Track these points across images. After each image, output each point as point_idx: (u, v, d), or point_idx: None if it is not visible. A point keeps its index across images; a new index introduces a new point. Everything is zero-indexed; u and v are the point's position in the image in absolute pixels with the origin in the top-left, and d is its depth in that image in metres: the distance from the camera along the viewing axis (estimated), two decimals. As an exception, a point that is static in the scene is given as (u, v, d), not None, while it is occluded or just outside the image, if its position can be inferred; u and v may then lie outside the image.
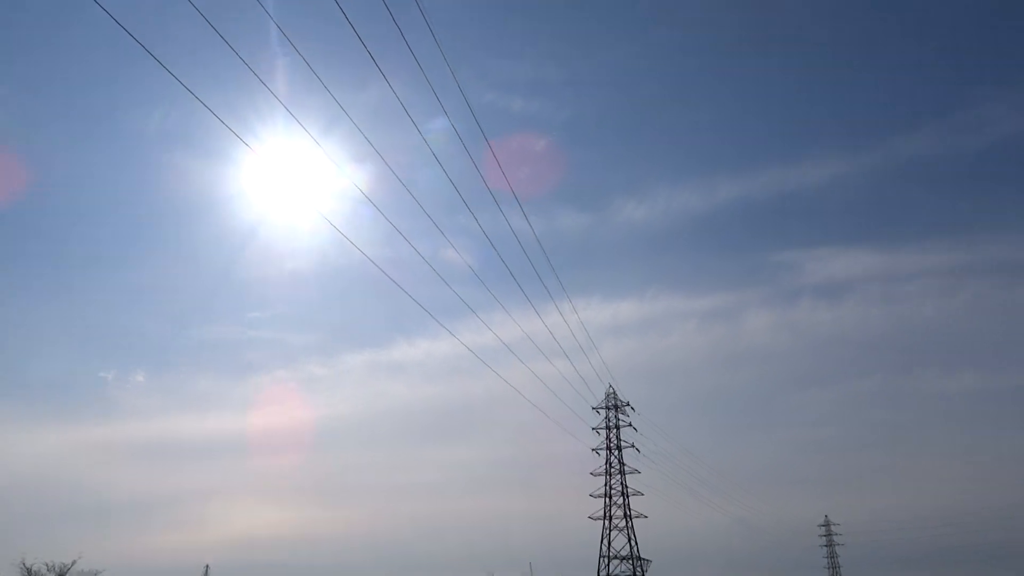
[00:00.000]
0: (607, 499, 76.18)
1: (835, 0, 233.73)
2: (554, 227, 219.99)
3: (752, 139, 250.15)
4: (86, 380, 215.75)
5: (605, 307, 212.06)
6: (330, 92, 19.86)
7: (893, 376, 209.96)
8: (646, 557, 75.59)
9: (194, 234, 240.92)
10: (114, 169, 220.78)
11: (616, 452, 77.15)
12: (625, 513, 75.56)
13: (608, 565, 74.10)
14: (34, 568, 62.04)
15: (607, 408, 78.09)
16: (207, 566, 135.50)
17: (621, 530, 75.38)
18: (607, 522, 75.64)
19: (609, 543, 75.01)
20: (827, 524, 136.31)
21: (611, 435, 77.53)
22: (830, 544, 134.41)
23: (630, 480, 77.10)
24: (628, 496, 76.23)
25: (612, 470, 76.65)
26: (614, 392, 78.72)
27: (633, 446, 77.71)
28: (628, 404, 78.38)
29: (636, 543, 75.25)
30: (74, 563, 63.88)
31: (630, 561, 74.78)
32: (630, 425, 77.97)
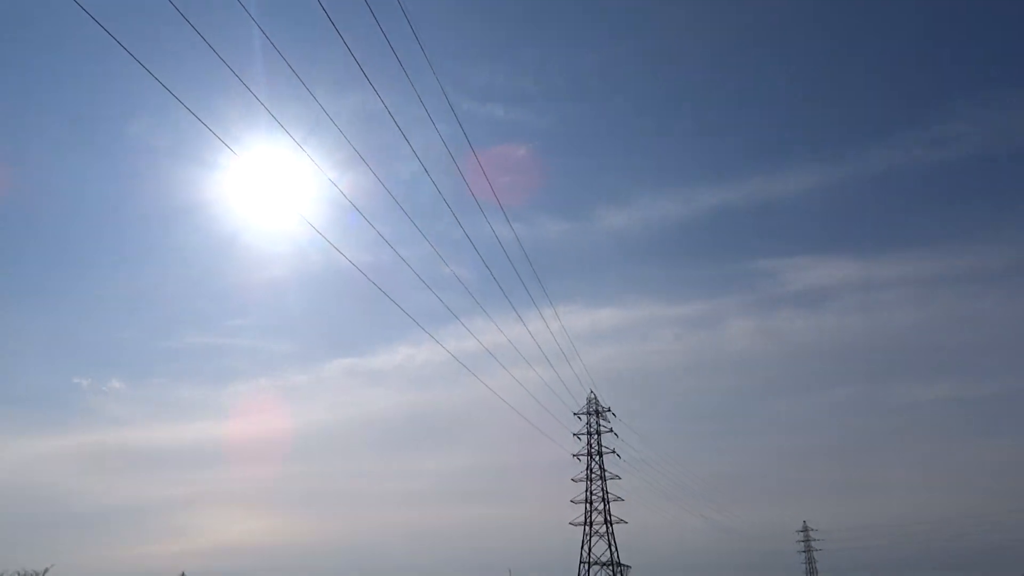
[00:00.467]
0: (588, 505, 76.45)
1: (812, 13, 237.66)
2: (535, 234, 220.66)
3: (731, 148, 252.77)
4: (61, 388, 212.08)
5: (586, 314, 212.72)
6: (314, 96, 20.02)
7: (870, 384, 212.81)
8: (626, 563, 75.96)
9: (174, 240, 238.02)
10: (92, 174, 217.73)
11: (597, 458, 77.48)
12: (606, 519, 75.84)
13: (588, 571, 74.30)
14: (5, 574, 60.92)
15: (588, 414, 78.49)
16: (183, 574, 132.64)
17: (601, 536, 75.66)
18: (587, 528, 75.85)
19: (589, 549, 75.24)
20: (805, 530, 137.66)
21: (592, 440, 77.90)
22: (808, 550, 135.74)
23: (611, 486, 77.49)
24: (609, 502, 76.56)
25: (593, 476, 76.96)
26: (595, 397, 79.19)
27: (614, 452, 78.13)
28: (609, 409, 78.84)
29: (616, 549, 75.57)
30: (46, 571, 62.74)
31: (610, 567, 75.06)
32: (611, 431, 78.40)
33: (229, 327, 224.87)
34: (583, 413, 78.62)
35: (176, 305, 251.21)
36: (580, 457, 77.86)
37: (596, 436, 77.82)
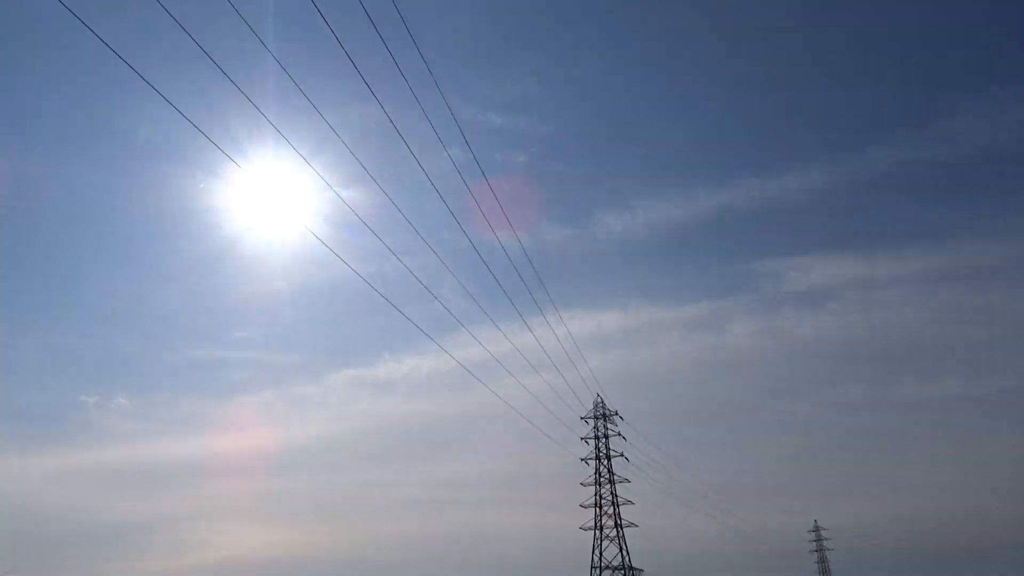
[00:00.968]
0: (597, 509, 76.29)
1: (813, 13, 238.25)
2: (537, 241, 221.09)
3: (731, 150, 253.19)
4: (68, 405, 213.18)
5: (590, 318, 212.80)
6: (319, 112, 20.26)
7: (877, 382, 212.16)
8: (638, 567, 75.71)
9: (177, 252, 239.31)
10: (92, 185, 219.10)
11: (605, 461, 77.40)
12: (616, 523, 75.66)
13: (600, 575, 74.07)
14: None
15: (595, 418, 78.45)
16: None
17: (612, 540, 75.47)
18: (598, 532, 75.68)
19: (600, 553, 75.04)
20: (816, 530, 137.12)
21: (600, 444, 77.83)
22: (820, 549, 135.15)
23: (620, 489, 77.35)
24: (618, 505, 76.41)
25: (602, 480, 76.85)
26: (602, 401, 79.19)
27: (622, 455, 78.05)
28: (616, 413, 78.82)
29: (627, 552, 75.35)
30: None
31: (622, 571, 74.84)
32: (619, 434, 78.35)
33: (233, 339, 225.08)
34: (590, 417, 78.61)
35: (179, 318, 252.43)
36: (588, 461, 77.79)
37: (604, 440, 77.77)
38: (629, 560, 75.14)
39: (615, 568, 74.86)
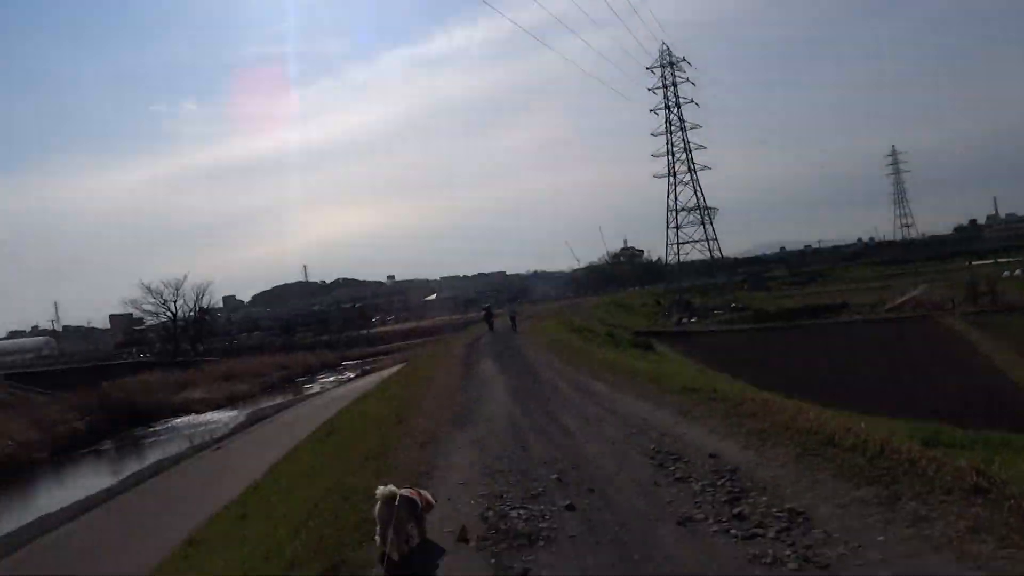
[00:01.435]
0: (670, 156, 77.67)
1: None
2: None
3: None
4: (139, 115, 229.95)
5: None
6: None
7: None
8: (713, 206, 79.12)
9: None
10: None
11: (676, 110, 76.44)
12: (689, 167, 77.39)
13: (676, 216, 78.47)
14: (152, 286, 70.29)
15: (661, 67, 75.51)
16: (304, 267, 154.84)
17: (686, 184, 78.10)
18: (671, 178, 78.16)
19: (675, 196, 78.50)
20: (893, 153, 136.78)
21: (668, 93, 76.11)
22: (896, 172, 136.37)
23: (692, 135, 77.38)
24: (691, 151, 77.32)
25: (672, 128, 76.81)
26: (667, 49, 75.31)
27: (692, 101, 76.56)
28: (684, 59, 75.33)
29: (702, 194, 78.40)
30: (185, 278, 72.46)
31: (697, 211, 78.63)
32: (687, 80, 75.84)
33: (281, 32, 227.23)
34: (656, 67, 75.64)
35: (224, 15, 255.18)
36: (657, 112, 77.01)
37: (672, 88, 75.77)
38: (704, 201, 78.44)
39: (691, 209, 78.70)
